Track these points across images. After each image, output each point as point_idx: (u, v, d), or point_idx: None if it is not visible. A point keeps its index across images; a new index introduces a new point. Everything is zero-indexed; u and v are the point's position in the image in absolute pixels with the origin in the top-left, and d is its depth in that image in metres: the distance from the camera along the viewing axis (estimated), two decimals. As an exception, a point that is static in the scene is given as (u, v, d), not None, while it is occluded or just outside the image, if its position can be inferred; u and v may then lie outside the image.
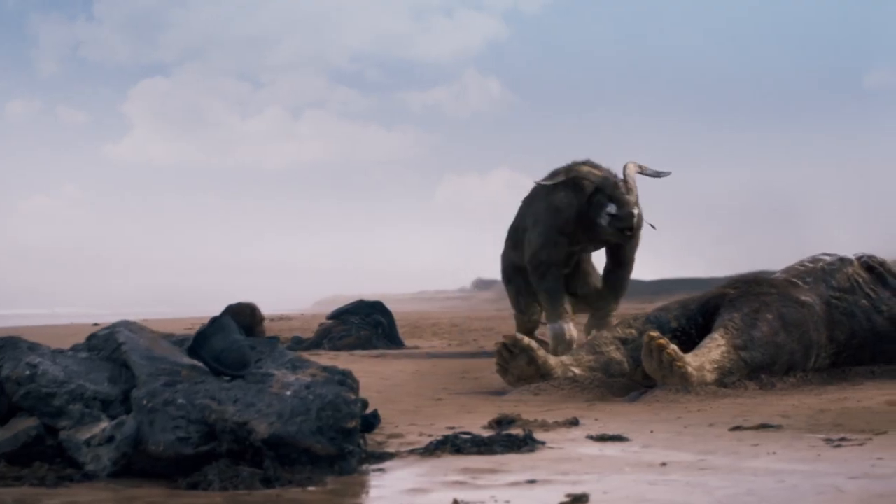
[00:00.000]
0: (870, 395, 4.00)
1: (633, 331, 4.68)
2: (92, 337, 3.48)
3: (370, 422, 3.64)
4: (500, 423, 3.88)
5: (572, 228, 7.75)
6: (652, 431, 3.55)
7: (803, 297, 4.62)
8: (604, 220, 7.43)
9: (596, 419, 3.89)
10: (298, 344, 9.26)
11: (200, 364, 3.38)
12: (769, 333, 4.41)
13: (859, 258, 4.95)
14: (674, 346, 4.15)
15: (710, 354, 4.25)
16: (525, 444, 3.40)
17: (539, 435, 3.56)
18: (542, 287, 7.96)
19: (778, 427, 3.46)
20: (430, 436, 3.59)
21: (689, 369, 4.11)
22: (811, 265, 4.94)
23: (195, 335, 3.48)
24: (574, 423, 3.79)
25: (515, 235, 8.40)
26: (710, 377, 4.20)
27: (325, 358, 8.26)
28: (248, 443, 3.09)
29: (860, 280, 4.82)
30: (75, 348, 3.48)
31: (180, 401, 3.16)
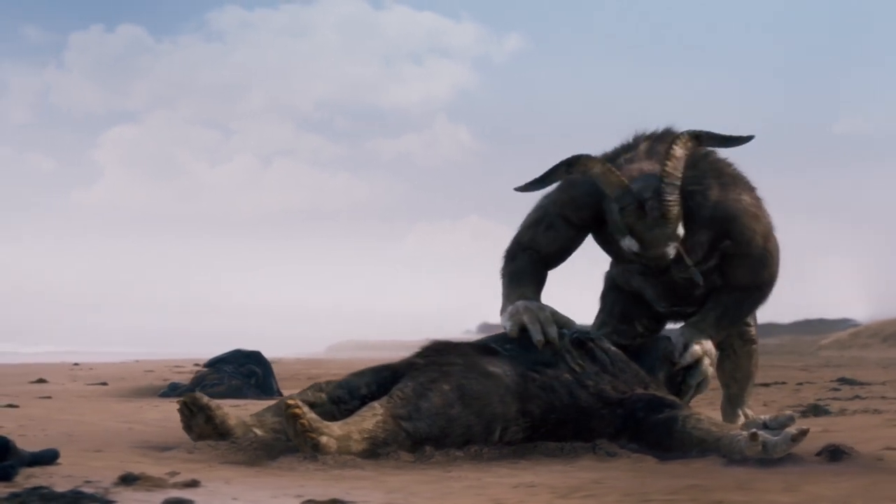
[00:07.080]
0: (508, 475, 3.82)
1: (324, 395, 4.53)
2: None
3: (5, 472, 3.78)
4: (126, 479, 3.82)
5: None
6: (235, 499, 3.45)
7: (491, 369, 4.43)
8: (627, 253, 4.89)
9: (226, 482, 3.78)
10: (173, 390, 9.25)
11: None
12: (441, 405, 4.23)
13: (571, 333, 4.72)
14: (312, 416, 4.01)
15: (362, 424, 4.10)
16: (96, 501, 3.38)
17: (138, 494, 3.48)
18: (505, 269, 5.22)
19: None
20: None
21: (325, 440, 3.97)
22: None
23: None
24: (193, 483, 3.67)
25: None
26: (357, 447, 4.04)
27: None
28: None
29: (567, 355, 4.62)
30: None
31: None
